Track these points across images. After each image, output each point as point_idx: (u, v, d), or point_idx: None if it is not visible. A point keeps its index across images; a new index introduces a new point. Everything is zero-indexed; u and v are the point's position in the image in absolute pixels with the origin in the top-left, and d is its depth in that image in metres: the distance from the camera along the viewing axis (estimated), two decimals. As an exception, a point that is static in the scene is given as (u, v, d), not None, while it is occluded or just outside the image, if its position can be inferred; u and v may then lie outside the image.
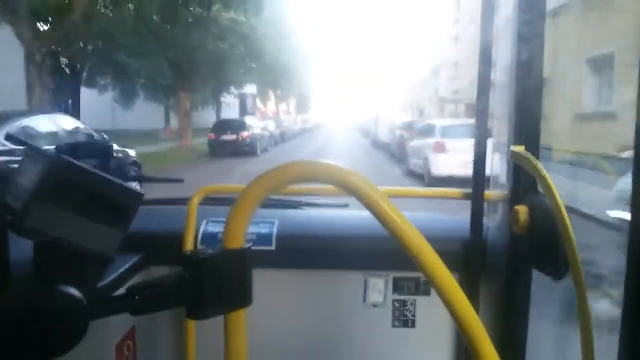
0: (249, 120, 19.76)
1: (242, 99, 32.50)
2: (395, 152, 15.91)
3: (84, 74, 22.65)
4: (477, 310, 0.65)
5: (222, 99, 28.35)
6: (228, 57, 20.46)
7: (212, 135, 17.88)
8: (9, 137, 1.01)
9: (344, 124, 63.97)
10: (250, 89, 32.39)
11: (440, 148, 10.61)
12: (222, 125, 18.55)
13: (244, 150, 17.64)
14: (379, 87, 72.95)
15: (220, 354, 0.53)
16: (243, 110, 31.91)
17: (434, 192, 1.45)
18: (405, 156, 13.33)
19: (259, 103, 40.86)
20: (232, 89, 27.97)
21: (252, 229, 1.24)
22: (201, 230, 1.25)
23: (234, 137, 17.89)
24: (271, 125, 23.90)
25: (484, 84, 1.08)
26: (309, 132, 40.47)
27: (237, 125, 18.43)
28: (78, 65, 22.01)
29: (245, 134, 18.03)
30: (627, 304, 0.63)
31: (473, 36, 1.27)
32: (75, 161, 0.82)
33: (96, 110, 27.18)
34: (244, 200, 0.51)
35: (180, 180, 1.53)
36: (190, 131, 20.08)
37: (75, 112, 31.83)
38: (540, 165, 0.94)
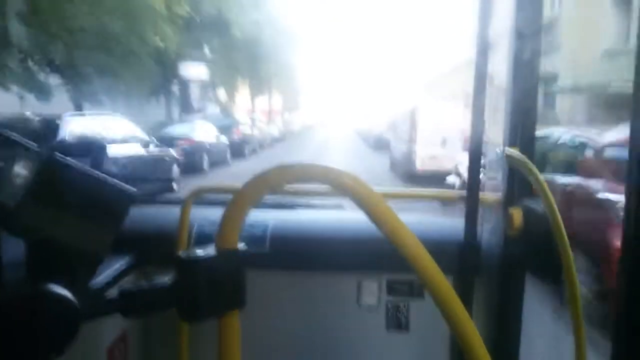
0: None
1: (184, 87, 22.94)
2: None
3: None
4: (470, 312, 0.85)
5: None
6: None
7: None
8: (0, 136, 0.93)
9: (344, 128, 58.28)
10: (197, 70, 22.79)
11: None
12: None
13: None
14: (395, 78, 56.62)
15: (214, 356, 0.57)
16: (186, 106, 22.87)
17: (429, 194, 1.57)
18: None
19: (224, 95, 27.71)
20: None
21: (246, 230, 1.35)
22: (194, 230, 1.38)
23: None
24: (207, 133, 15.30)
25: (480, 84, 1.18)
26: (294, 138, 34.07)
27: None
28: None
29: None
30: (621, 302, 0.70)
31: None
32: (68, 159, 0.87)
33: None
34: (238, 201, 0.54)
35: (171, 180, 1.94)
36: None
37: None
38: (534, 168, 1.03)
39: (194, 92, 23.05)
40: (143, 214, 1.45)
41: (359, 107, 65.99)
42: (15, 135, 0.94)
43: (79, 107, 20.02)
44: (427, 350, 1.37)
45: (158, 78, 23.09)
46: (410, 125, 12.55)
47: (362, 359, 1.38)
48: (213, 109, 27.81)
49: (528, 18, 1.09)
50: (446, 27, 36.03)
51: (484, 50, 1.15)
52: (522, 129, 1.12)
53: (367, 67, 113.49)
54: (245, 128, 20.18)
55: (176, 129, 14.60)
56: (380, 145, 22.60)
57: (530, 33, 1.09)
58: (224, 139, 16.19)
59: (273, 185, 0.53)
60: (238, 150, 17.88)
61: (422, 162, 11.77)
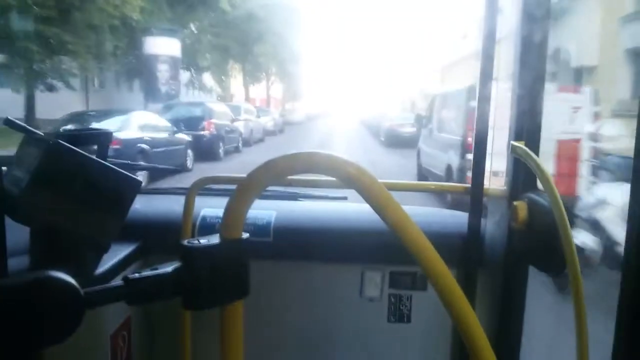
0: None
1: (150, 64, 18.00)
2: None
3: None
4: (473, 305, 0.73)
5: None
6: None
7: None
8: (8, 122, 0.97)
9: (350, 119, 54.14)
10: (167, 45, 17.96)
11: None
12: None
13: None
14: (406, 63, 50.97)
15: (216, 345, 0.58)
16: (151, 90, 17.94)
17: (433, 186, 1.68)
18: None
19: (210, 81, 23.01)
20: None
21: (250, 219, 1.39)
22: (199, 220, 1.41)
23: None
24: (150, 128, 10.29)
25: (485, 77, 1.18)
26: (292, 131, 29.16)
27: None
28: None
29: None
30: (623, 301, 0.72)
31: None
32: (74, 147, 0.87)
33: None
34: (242, 190, 0.55)
35: (178, 170, 1.84)
36: None
37: None
38: (540, 161, 1.04)
39: (163, 73, 18.61)
40: (148, 203, 1.49)
41: (367, 95, 60.76)
42: (20, 123, 0.95)
43: (30, 96, 15.89)
44: (429, 342, 1.41)
45: (126, 57, 18.97)
46: (464, 122, 7.51)
47: (364, 350, 1.42)
48: (199, 96, 23.35)
49: (537, 1, 1.09)
50: (461, 10, 31.59)
51: (490, 43, 1.15)
52: (528, 121, 1.12)
53: (376, 50, 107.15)
54: (222, 120, 15.24)
55: (101, 125, 10.01)
56: (393, 140, 19.37)
57: (539, 17, 1.07)
58: (181, 137, 11.76)
59: (277, 174, 0.54)
60: (210, 149, 13.62)
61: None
